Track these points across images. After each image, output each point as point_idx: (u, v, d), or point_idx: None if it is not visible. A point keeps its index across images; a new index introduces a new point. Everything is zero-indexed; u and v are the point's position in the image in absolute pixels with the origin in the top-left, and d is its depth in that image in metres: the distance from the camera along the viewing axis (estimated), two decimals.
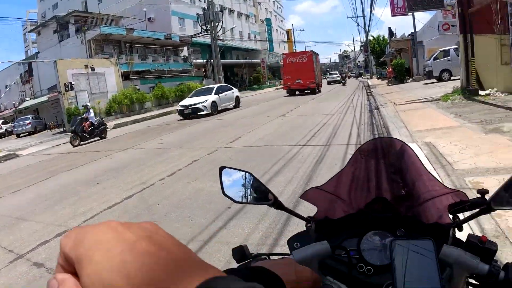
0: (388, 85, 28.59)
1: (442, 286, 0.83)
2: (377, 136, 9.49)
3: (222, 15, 41.64)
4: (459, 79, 17.15)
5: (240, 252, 1.09)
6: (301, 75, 33.14)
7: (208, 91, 23.37)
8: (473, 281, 0.96)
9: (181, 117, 21.90)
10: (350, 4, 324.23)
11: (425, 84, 25.65)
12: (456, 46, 22.62)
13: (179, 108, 22.36)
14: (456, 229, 1.17)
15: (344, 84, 49.77)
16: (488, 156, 5.93)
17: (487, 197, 1.06)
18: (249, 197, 1.25)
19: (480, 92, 14.65)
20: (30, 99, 40.54)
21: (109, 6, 46.57)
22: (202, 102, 21.46)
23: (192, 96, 23.76)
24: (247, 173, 1.25)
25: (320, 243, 1.06)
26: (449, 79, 24.83)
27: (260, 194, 1.24)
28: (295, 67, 33.97)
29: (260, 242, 4.14)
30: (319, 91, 35.51)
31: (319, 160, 7.54)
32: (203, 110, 21.21)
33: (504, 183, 1.00)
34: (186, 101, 22.52)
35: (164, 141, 12.92)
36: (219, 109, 22.76)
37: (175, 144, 11.95)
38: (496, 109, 10.84)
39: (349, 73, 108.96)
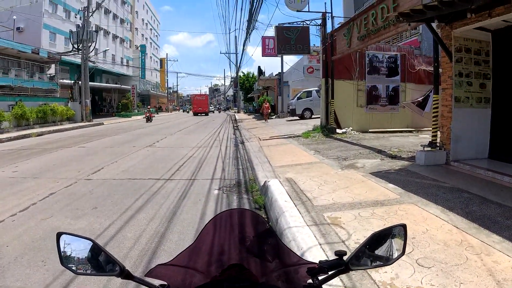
0: (265, 121, 28.97)
1: None
2: (241, 173, 9.56)
3: (97, 36, 39.94)
4: (319, 117, 18.28)
5: None
6: (202, 106, 62.11)
7: None
8: None
9: None
10: (224, 40, 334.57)
11: (288, 120, 27.03)
12: (318, 88, 24.33)
13: None
14: None
15: (219, 112, 74.47)
16: (345, 192, 6.19)
17: (345, 258, 1.08)
18: (92, 267, 1.11)
19: (338, 130, 15.83)
20: None
21: None
22: None
23: None
24: (89, 240, 1.12)
25: None
26: (310, 117, 26.61)
27: (105, 263, 1.11)
28: (198, 101, 63.38)
29: None
30: (208, 114, 62.05)
31: (183, 195, 7.35)
32: None
33: (361, 243, 1.05)
34: None
35: (19, 169, 11.51)
36: None
37: (32, 173, 10.73)
38: (352, 146, 11.68)
39: (218, 106, 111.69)
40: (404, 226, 1.08)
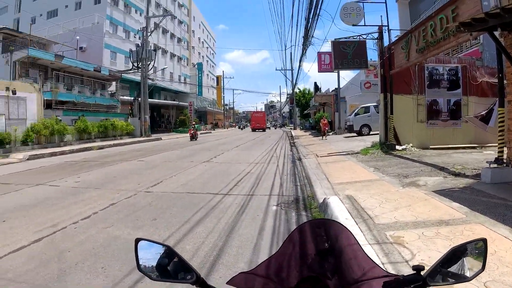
0: (323, 138, 28.01)
1: None
2: (299, 189, 9.53)
3: (155, 54, 41.49)
4: (378, 134, 17.96)
5: None
6: (259, 122, 65.26)
7: None
8: None
9: None
10: (280, 57, 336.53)
11: (346, 137, 26.69)
12: (376, 104, 23.92)
13: None
14: None
15: (275, 128, 79.34)
16: (407, 210, 6.04)
17: (422, 273, 1.05)
18: (168, 273, 1.13)
19: (397, 147, 15.43)
20: None
21: (41, 29, 44.95)
22: None
23: None
24: (166, 247, 1.15)
25: None
26: (368, 134, 26.12)
27: (181, 270, 1.13)
28: (256, 118, 67.02)
29: None
30: (265, 130, 65.06)
31: (242, 210, 7.36)
32: None
33: (439, 259, 1.02)
34: None
35: (81, 180, 12.09)
36: None
37: (93, 184, 11.21)
38: (412, 164, 11.37)
39: (274, 122, 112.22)
40: (484, 241, 1.07)
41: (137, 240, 1.14)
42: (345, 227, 1.31)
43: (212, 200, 8.39)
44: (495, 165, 8.31)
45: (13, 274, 4.54)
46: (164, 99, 60.92)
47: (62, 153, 23.59)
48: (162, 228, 6.34)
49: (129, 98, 45.12)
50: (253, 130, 63.56)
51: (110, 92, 42.32)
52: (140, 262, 1.13)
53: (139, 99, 40.21)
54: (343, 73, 36.18)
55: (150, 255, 1.15)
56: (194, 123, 39.02)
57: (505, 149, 8.60)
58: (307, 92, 72.55)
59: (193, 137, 34.35)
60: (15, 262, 4.97)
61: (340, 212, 5.92)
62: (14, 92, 25.85)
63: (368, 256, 1.23)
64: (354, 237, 1.28)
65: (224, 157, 18.34)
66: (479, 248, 1.09)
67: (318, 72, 35.57)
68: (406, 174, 9.62)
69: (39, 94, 28.61)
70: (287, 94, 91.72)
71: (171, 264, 1.13)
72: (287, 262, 1.28)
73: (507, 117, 8.55)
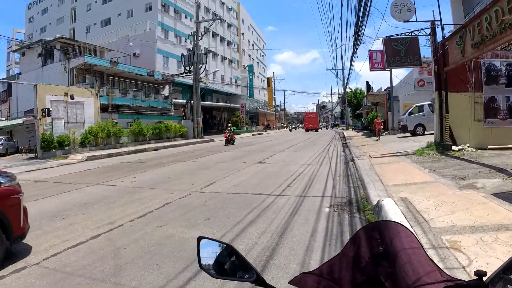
0: (377, 138, 26.98)
1: None
2: (352, 191, 9.47)
3: (206, 58, 42.33)
4: (433, 133, 17.49)
5: None
6: (312, 123, 67.40)
7: None
8: None
9: None
10: (330, 56, 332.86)
11: (399, 137, 26.12)
12: (430, 102, 23.27)
13: None
14: None
15: (327, 129, 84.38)
16: (464, 214, 5.90)
17: (484, 279, 1.01)
18: (228, 271, 1.16)
19: (454, 147, 14.95)
20: (5, 119, 39.63)
21: (96, 37, 47.24)
22: None
23: None
24: (227, 245, 1.18)
25: None
26: (423, 134, 25.40)
27: (241, 268, 1.16)
28: (309, 119, 69.24)
29: None
30: (318, 130, 66.40)
31: (294, 212, 7.39)
32: None
33: (502, 264, 0.97)
34: None
35: (137, 180, 12.58)
36: None
37: (148, 184, 11.64)
38: (469, 165, 11.00)
39: (326, 123, 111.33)
40: None
41: (200, 238, 1.18)
42: (405, 227, 1.29)
43: (264, 201, 8.47)
44: None
45: (72, 268, 4.82)
46: (216, 101, 62.01)
47: (118, 154, 24.58)
48: (215, 227, 6.48)
49: (182, 101, 46.33)
50: (306, 130, 66.63)
51: (163, 96, 43.67)
52: (202, 260, 1.17)
53: (192, 101, 41.17)
54: (395, 71, 35.32)
55: (211, 253, 1.18)
56: (230, 125, 34.02)
57: None
58: (358, 92, 71.37)
59: (229, 141, 30.97)
60: (73, 257, 5.28)
61: (394, 215, 5.87)
62: (72, 97, 27.31)
63: (429, 257, 1.21)
64: (416, 237, 1.26)
65: (276, 158, 18.43)
66: None
67: (370, 70, 35.07)
68: (463, 176, 9.34)
69: (95, 98, 30.02)
70: (339, 94, 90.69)
71: (231, 263, 1.17)
72: (349, 263, 1.28)
73: None
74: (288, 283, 1.25)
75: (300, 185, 10.45)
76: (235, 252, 1.16)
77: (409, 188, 8.35)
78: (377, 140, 26.24)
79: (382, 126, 29.74)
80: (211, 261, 1.17)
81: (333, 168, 13.62)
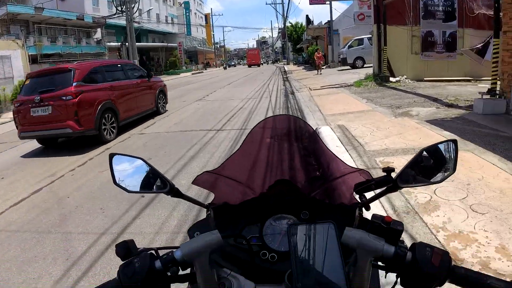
0: (318, 72, 26.59)
1: (345, 271, 0.78)
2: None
3: None
4: (371, 66, 17.76)
5: (124, 248, 0.92)
6: (254, 59, 70.47)
7: None
8: (380, 264, 0.88)
9: None
10: None
11: (339, 70, 26.46)
12: (370, 36, 23.45)
13: None
14: (363, 208, 1.13)
15: (267, 64, 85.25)
16: (398, 138, 6.10)
17: (393, 175, 1.02)
18: (143, 185, 1.13)
19: (391, 79, 15.33)
20: None
21: None
22: None
23: None
24: (140, 160, 1.13)
25: (210, 233, 0.93)
26: (362, 66, 25.86)
27: (155, 181, 1.12)
28: (251, 55, 72.09)
29: (175, 230, 4.04)
30: (259, 66, 69.22)
31: (234, 144, 7.48)
32: None
33: (410, 160, 0.99)
34: None
35: None
36: None
37: None
38: (406, 95, 11.37)
39: (266, 58, 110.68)
40: (455, 142, 1.00)
41: (111, 155, 1.12)
42: (305, 121, 1.28)
43: (205, 136, 8.51)
44: (488, 97, 8.27)
45: (16, 226, 4.68)
46: (152, 41, 59.35)
47: None
48: (157, 166, 6.32)
49: (116, 44, 43.99)
50: (249, 66, 69.35)
51: (96, 40, 41.35)
52: (116, 176, 1.11)
53: (127, 44, 39.19)
54: (335, 4, 35.27)
55: (124, 169, 1.15)
56: None
57: (498, 80, 8.52)
58: (299, 26, 70.75)
59: None
60: (17, 214, 5.10)
61: (331, 141, 5.97)
62: None
63: (335, 155, 1.20)
64: (319, 138, 1.26)
65: (216, 95, 18.34)
66: (450, 149, 1.02)
67: (310, 4, 34.49)
68: (399, 105, 9.63)
69: (23, 50, 27.88)
70: (279, 29, 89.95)
71: (146, 177, 1.13)
72: (255, 164, 1.25)
73: (502, 48, 8.39)
74: (192, 183, 1.23)
75: (240, 119, 10.51)
76: (148, 166, 1.12)
77: (346, 116, 8.53)
78: (318, 74, 26.28)
79: (323, 60, 29.76)
80: (125, 177, 1.13)
81: (273, 102, 13.69)
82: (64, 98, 8.34)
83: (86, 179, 6.31)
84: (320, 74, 25.40)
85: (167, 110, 13.35)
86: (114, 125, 9.50)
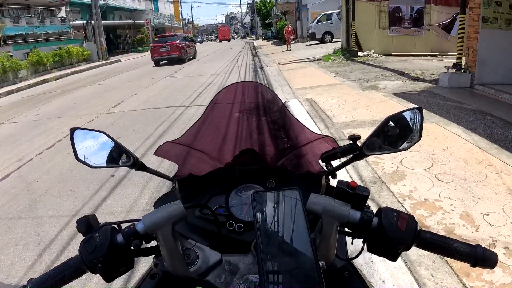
0: (287, 47, 25.86)
1: (311, 238, 0.75)
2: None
3: None
4: (340, 41, 17.83)
5: (85, 224, 0.89)
6: (225, 34, 79.97)
7: None
8: (347, 230, 0.88)
9: None
10: None
11: (308, 45, 26.49)
12: (338, 10, 23.47)
13: None
14: (330, 176, 1.13)
15: (235, 40, 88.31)
16: (365, 110, 6.17)
17: (359, 143, 1.01)
18: (106, 160, 1.10)
19: (359, 53, 15.44)
20: None
21: None
22: None
23: None
24: (102, 133, 1.09)
25: (172, 203, 0.90)
26: (330, 41, 25.91)
27: (118, 155, 1.10)
28: (222, 31, 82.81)
29: (147, 208, 4.02)
30: (229, 41, 75.90)
31: None
32: None
33: (375, 129, 0.98)
34: None
35: (41, 112, 11.64)
36: None
37: (54, 113, 10.88)
38: (373, 69, 11.49)
39: (235, 34, 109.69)
40: (420, 110, 1.00)
41: (72, 130, 1.09)
42: (271, 89, 1.26)
43: (174, 113, 8.44)
44: (453, 71, 8.41)
45: None
46: (119, 19, 57.61)
47: (19, 89, 22.31)
48: (126, 144, 6.20)
49: (81, 22, 42.38)
50: (220, 41, 78.52)
51: (60, 19, 39.76)
52: (78, 152, 1.08)
53: (92, 22, 38.03)
54: None
55: (87, 144, 1.12)
56: None
57: (463, 55, 8.66)
58: (268, 1, 70.37)
59: None
60: None
61: (299, 114, 5.96)
62: None
63: (301, 123, 1.18)
64: (285, 106, 1.23)
65: (185, 71, 18.11)
66: (416, 117, 1.02)
67: None
68: (367, 78, 9.71)
69: None
70: (248, 4, 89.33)
71: (109, 151, 1.10)
72: (218, 134, 1.23)
73: (467, 24, 8.51)
74: (154, 154, 1.19)
75: (209, 94, 10.42)
76: (111, 139, 1.09)
77: (315, 90, 8.56)
78: (287, 49, 25.90)
79: (292, 35, 29.21)
80: (87, 152, 1.09)
81: (242, 76, 13.66)
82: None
83: (54, 162, 6.17)
84: (290, 50, 25.01)
85: None
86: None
